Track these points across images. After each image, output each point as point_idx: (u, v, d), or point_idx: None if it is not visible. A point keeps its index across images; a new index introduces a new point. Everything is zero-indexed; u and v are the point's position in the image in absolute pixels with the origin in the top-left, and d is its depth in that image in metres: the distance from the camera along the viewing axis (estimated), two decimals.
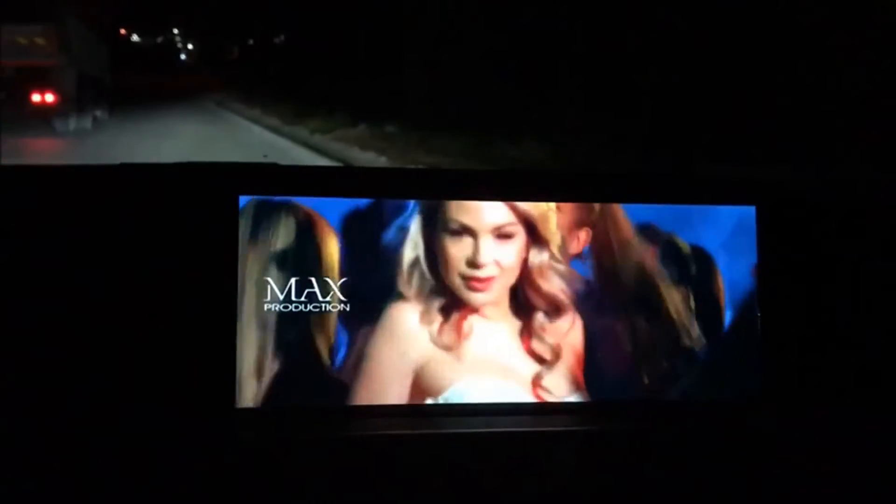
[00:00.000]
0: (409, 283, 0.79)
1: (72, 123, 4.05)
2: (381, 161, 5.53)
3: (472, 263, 0.80)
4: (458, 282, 0.80)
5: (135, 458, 0.64)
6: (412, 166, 4.75)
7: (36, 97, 4.03)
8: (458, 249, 0.80)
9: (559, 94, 5.09)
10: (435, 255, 0.80)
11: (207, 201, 0.72)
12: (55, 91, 3.97)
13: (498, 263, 0.80)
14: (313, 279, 0.76)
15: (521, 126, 5.19)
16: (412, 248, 0.80)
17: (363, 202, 0.79)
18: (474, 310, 0.80)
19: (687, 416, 0.75)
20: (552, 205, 0.82)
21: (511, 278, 0.81)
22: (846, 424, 0.75)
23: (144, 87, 10.46)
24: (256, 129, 8.19)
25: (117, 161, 0.79)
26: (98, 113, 4.47)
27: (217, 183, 0.74)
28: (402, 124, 6.58)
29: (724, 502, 0.71)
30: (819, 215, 0.82)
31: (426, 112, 6.33)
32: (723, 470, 0.71)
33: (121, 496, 0.63)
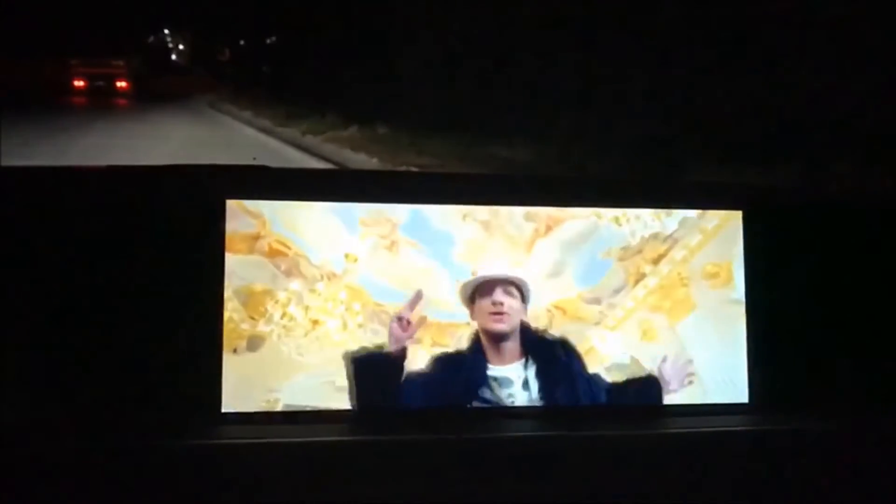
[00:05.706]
0: None
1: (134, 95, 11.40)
2: (373, 162, 5.53)
3: None
4: None
5: (118, 462, 0.64)
6: (404, 168, 4.74)
7: (119, 84, 11.60)
8: None
9: (550, 97, 5.10)
10: None
11: (194, 204, 0.71)
12: (126, 82, 11.71)
13: None
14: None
15: (511, 129, 5.19)
16: None
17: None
18: None
19: (679, 422, 0.75)
20: None
21: None
22: (834, 430, 0.75)
23: (135, 88, 11.29)
24: (249, 130, 8.16)
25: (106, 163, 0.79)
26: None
27: (204, 186, 0.73)
28: (394, 126, 6.57)
29: None
30: (807, 220, 0.83)
31: (418, 114, 6.33)
32: (717, 476, 0.71)
33: (105, 499, 0.63)
